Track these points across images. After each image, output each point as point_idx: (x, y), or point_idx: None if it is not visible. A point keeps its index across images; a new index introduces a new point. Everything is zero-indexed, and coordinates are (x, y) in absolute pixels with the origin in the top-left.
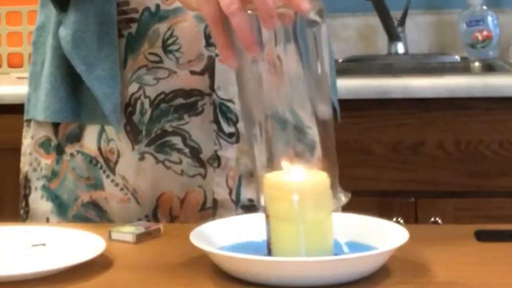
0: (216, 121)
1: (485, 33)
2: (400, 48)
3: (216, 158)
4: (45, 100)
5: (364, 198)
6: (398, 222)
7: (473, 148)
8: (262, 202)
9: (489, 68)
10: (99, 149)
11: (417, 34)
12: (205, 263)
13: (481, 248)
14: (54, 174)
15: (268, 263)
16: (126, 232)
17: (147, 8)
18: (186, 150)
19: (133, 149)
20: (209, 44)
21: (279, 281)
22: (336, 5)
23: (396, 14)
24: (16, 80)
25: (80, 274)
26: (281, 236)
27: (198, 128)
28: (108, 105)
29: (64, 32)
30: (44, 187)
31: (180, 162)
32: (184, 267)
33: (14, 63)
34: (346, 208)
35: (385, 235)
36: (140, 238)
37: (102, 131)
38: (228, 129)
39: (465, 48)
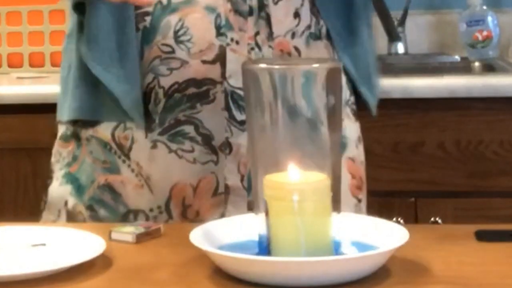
0: (227, 108)
1: (485, 33)
2: (400, 48)
3: (227, 145)
4: (70, 102)
5: None
6: (398, 222)
7: (473, 148)
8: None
9: (489, 68)
10: (113, 135)
11: (417, 34)
12: (205, 263)
13: (481, 248)
14: (74, 159)
15: (268, 263)
16: (126, 232)
17: (159, 2)
18: (199, 138)
19: (146, 137)
20: (220, 34)
21: (279, 281)
22: None
23: (396, 14)
24: (16, 80)
25: (80, 274)
26: (281, 236)
27: (210, 116)
28: (128, 101)
29: (80, 35)
30: (65, 174)
31: (193, 150)
32: (184, 267)
33: (14, 63)
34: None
35: (385, 235)
36: (140, 238)
37: (119, 124)
38: (239, 116)
39: (465, 48)
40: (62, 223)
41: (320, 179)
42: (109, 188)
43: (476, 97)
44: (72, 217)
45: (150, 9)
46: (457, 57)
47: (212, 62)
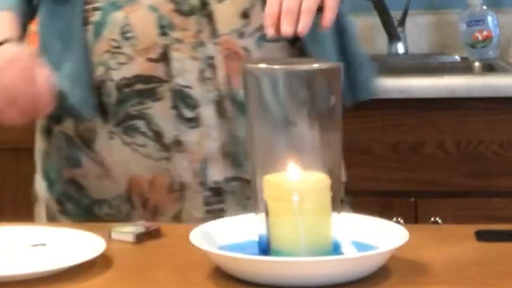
0: (175, 107)
1: (485, 33)
2: (400, 48)
3: (178, 143)
4: None
5: (364, 198)
6: (398, 222)
7: (473, 148)
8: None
9: (489, 68)
10: (76, 129)
11: (417, 34)
12: (205, 263)
13: (481, 248)
14: (46, 154)
15: (268, 263)
16: (126, 232)
17: None
18: (150, 134)
19: (102, 127)
20: (163, 33)
21: (279, 281)
22: None
23: (396, 14)
24: None
25: (80, 274)
26: (281, 236)
27: (158, 113)
28: (76, 100)
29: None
30: (41, 168)
31: (145, 145)
32: (184, 267)
33: None
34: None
35: (385, 235)
36: (140, 238)
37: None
38: (188, 114)
39: (465, 48)
40: (62, 223)
41: (320, 179)
42: (73, 182)
43: (476, 97)
44: (48, 211)
45: (100, 4)
46: (457, 57)
47: (157, 60)
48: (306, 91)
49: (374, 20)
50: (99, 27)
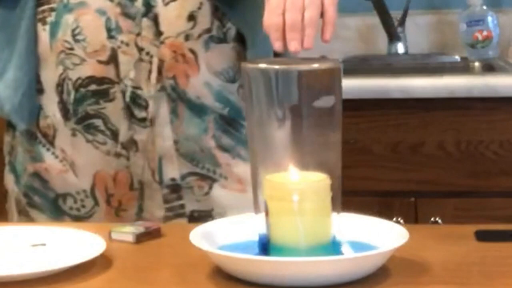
0: (127, 107)
1: (485, 33)
2: (400, 48)
3: (133, 142)
4: None
5: (364, 198)
6: (398, 222)
7: (473, 148)
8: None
9: (489, 68)
10: (38, 124)
11: (417, 34)
12: (205, 263)
13: (481, 248)
14: (12, 148)
15: (268, 263)
16: (126, 232)
17: (61, 0)
18: (108, 133)
19: (65, 124)
20: (110, 36)
21: (279, 281)
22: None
23: (396, 14)
24: None
25: (80, 274)
26: (281, 236)
27: (113, 113)
28: (9, 107)
29: None
30: (8, 162)
31: (105, 143)
32: (184, 267)
33: None
34: (346, 208)
35: (385, 235)
36: (140, 238)
37: (40, 109)
38: (140, 114)
39: (465, 48)
40: (62, 223)
41: (320, 179)
42: (37, 176)
43: (476, 97)
44: (17, 205)
45: (55, 5)
46: (457, 57)
47: (107, 62)
48: (305, 91)
49: (374, 20)
50: (54, 27)
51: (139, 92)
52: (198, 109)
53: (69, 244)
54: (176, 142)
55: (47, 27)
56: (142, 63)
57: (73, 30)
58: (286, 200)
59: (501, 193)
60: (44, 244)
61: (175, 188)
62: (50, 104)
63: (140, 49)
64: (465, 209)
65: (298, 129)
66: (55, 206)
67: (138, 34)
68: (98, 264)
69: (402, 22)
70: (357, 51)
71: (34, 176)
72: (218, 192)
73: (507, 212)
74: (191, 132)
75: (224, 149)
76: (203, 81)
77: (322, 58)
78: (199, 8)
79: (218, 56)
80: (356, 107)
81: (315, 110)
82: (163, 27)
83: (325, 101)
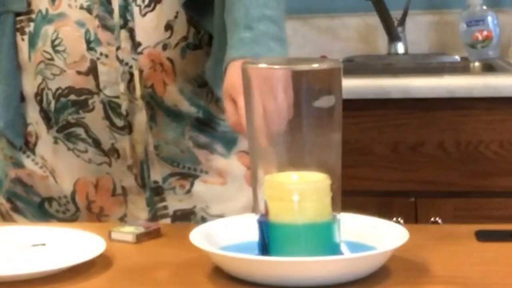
0: (107, 117)
1: (485, 33)
2: (400, 48)
3: (115, 150)
4: None
5: (364, 198)
6: (398, 222)
7: (473, 148)
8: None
9: (489, 68)
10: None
11: (417, 34)
12: (205, 263)
13: (481, 248)
14: None
15: (268, 263)
16: (126, 232)
17: (40, 11)
18: (90, 141)
19: (47, 132)
20: (89, 48)
21: (279, 281)
22: (336, 5)
23: (396, 14)
24: None
25: (80, 274)
26: (281, 236)
27: (93, 123)
28: (2, 124)
29: None
30: None
31: (87, 151)
32: (184, 267)
33: None
34: (346, 208)
35: (385, 235)
36: (140, 238)
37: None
38: (119, 123)
39: (465, 48)
40: (62, 223)
41: (320, 179)
42: (19, 181)
43: (476, 97)
44: (0, 210)
45: (33, 15)
46: (457, 57)
47: (86, 73)
48: (306, 91)
49: (374, 20)
50: (33, 38)
51: (118, 101)
52: (175, 115)
53: (69, 244)
54: (156, 147)
55: (26, 38)
56: (120, 74)
57: (53, 41)
58: (286, 200)
59: (501, 193)
60: (44, 244)
61: (158, 191)
62: (32, 112)
63: (119, 61)
64: (465, 209)
65: (298, 129)
66: (41, 210)
67: (118, 48)
68: (98, 264)
69: (402, 22)
70: (357, 51)
71: (16, 181)
72: (200, 187)
73: (507, 212)
74: (170, 136)
75: (202, 146)
76: (178, 88)
77: (322, 58)
78: (176, 17)
79: (193, 63)
80: (356, 107)
81: (315, 110)
82: (140, 38)
83: (325, 101)
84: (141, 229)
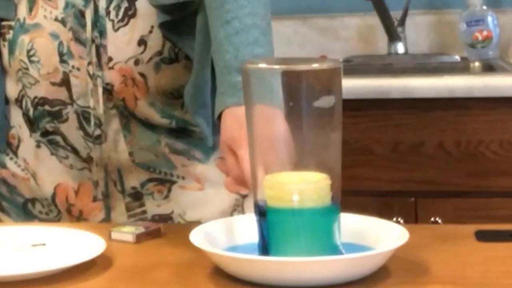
0: (82, 127)
1: (485, 33)
2: (400, 48)
3: (91, 158)
4: None
5: (364, 198)
6: (398, 222)
7: (473, 148)
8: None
9: (489, 68)
10: (2, 134)
11: (417, 34)
12: (205, 263)
13: (481, 248)
14: None
15: (268, 263)
16: (126, 232)
17: (18, 19)
18: (69, 148)
19: (30, 136)
20: (62, 60)
21: (279, 281)
22: (336, 5)
23: (396, 14)
24: None
25: (80, 274)
26: (281, 236)
27: (69, 132)
28: None
29: None
30: None
31: (67, 157)
32: (184, 267)
33: None
34: (346, 208)
35: (385, 235)
36: (140, 238)
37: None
38: (94, 132)
39: (465, 48)
40: (62, 223)
41: (320, 179)
42: (4, 181)
43: (476, 97)
44: None
45: (13, 23)
46: (457, 57)
47: (59, 84)
48: (306, 91)
49: (374, 20)
50: (12, 45)
51: (91, 111)
52: (148, 125)
53: (69, 244)
54: (131, 154)
55: (6, 44)
56: (92, 86)
57: (28, 51)
58: (286, 200)
59: (501, 193)
60: (44, 244)
61: (137, 196)
62: (15, 115)
63: (91, 74)
64: (465, 209)
65: (298, 129)
66: (24, 210)
67: (90, 63)
68: (98, 264)
69: (402, 22)
70: (357, 51)
71: (1, 182)
72: (177, 192)
73: (507, 212)
74: (145, 144)
75: (178, 152)
76: (149, 101)
77: (322, 58)
78: (150, 32)
79: (169, 76)
80: (356, 107)
81: (315, 110)
82: (111, 53)
83: (325, 101)
84: (141, 229)
